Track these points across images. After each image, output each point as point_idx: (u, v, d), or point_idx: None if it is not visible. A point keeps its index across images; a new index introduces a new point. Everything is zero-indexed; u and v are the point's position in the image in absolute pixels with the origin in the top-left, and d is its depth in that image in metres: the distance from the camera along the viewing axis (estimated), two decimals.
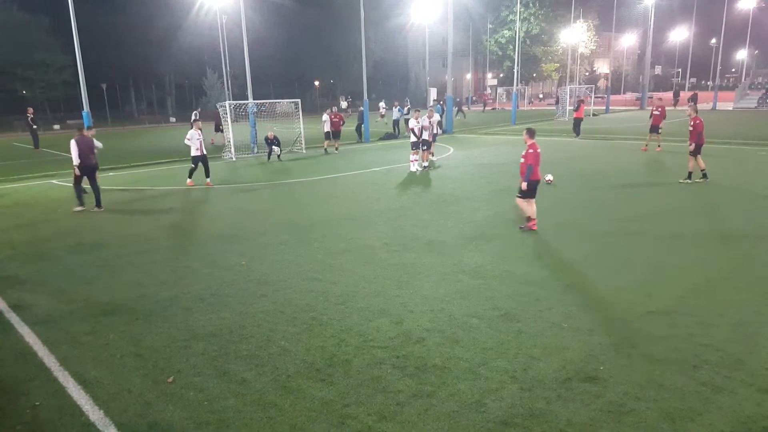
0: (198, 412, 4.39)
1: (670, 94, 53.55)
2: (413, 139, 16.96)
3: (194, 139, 15.29)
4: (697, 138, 13.37)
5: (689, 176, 13.52)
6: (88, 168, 12.55)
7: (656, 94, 59.12)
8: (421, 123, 16.81)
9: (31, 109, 27.99)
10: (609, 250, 8.38)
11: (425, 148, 17.23)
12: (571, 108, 26.72)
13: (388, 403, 4.42)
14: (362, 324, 5.92)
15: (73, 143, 12.35)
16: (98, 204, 12.69)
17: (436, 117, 21.15)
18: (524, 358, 5.06)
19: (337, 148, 23.98)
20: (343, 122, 25.29)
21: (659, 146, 20.09)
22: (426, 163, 17.47)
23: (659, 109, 20.07)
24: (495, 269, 7.59)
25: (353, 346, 5.42)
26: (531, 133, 9.43)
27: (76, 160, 12.34)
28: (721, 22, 48.90)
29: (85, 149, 12.47)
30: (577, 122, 26.01)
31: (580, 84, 56.31)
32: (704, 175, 13.47)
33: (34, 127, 27.40)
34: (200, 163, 15.43)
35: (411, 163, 17.13)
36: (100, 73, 45.97)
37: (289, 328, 5.90)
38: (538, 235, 9.33)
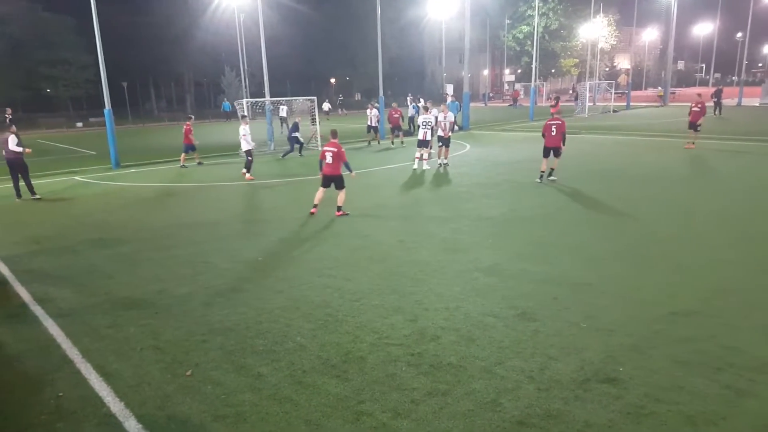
0: (215, 405, 4.45)
1: (702, 90, 52.00)
2: (420, 136, 16.94)
3: (247, 134, 16.27)
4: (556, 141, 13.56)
5: (541, 177, 13.80)
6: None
7: (680, 90, 58.15)
8: (439, 115, 16.84)
9: (9, 110, 28.02)
10: (630, 249, 8.26)
11: (443, 144, 17.07)
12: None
13: (402, 400, 4.42)
14: (377, 321, 5.93)
15: None
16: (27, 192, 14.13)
17: (437, 113, 21.26)
18: (541, 357, 5.02)
19: (402, 142, 24.41)
20: (403, 117, 25.58)
21: (693, 143, 19.31)
22: (446, 160, 17.35)
23: (699, 106, 19.13)
24: (512, 267, 7.54)
25: (368, 342, 5.43)
26: (333, 133, 11.13)
27: None
28: (747, 16, 47.87)
29: None
30: None
31: (599, 80, 55.64)
32: (547, 176, 13.77)
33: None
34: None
35: (415, 160, 17.10)
36: (121, 71, 46.61)
37: (304, 324, 5.93)
38: (556, 233, 9.25)
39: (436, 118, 18.18)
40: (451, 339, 5.44)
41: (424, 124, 17.09)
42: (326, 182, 10.98)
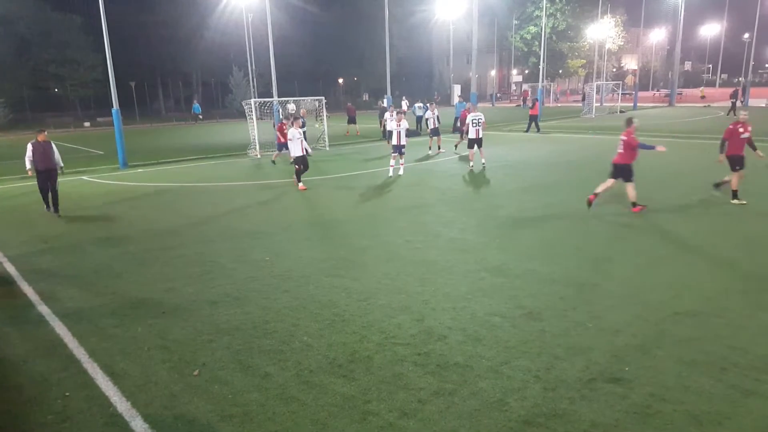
0: (222, 405, 4.46)
1: (710, 90, 51.24)
2: (395, 141, 15.76)
3: (296, 139, 14.04)
4: None
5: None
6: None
7: (687, 91, 57.48)
8: (403, 126, 15.53)
9: None
10: (636, 249, 8.24)
11: (478, 147, 16.65)
12: (525, 105, 27.88)
13: (409, 400, 4.42)
14: (384, 321, 5.94)
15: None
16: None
17: (437, 112, 21.19)
18: (547, 357, 5.02)
19: (456, 146, 21.05)
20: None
21: None
22: (483, 160, 16.97)
23: None
24: (518, 267, 7.53)
25: (375, 342, 5.44)
26: (627, 122, 10.55)
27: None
28: (754, 16, 47.59)
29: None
30: (532, 118, 28.56)
31: (607, 80, 55.43)
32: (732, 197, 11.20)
33: None
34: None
35: (390, 168, 16.05)
36: (129, 71, 46.87)
37: (311, 323, 5.95)
38: (564, 233, 9.23)
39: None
40: (458, 339, 5.45)
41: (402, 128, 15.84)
42: (615, 172, 10.47)
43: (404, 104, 51.97)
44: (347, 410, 4.31)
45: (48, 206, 12.26)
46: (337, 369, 4.95)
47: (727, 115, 33.42)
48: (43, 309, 6.67)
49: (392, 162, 16.12)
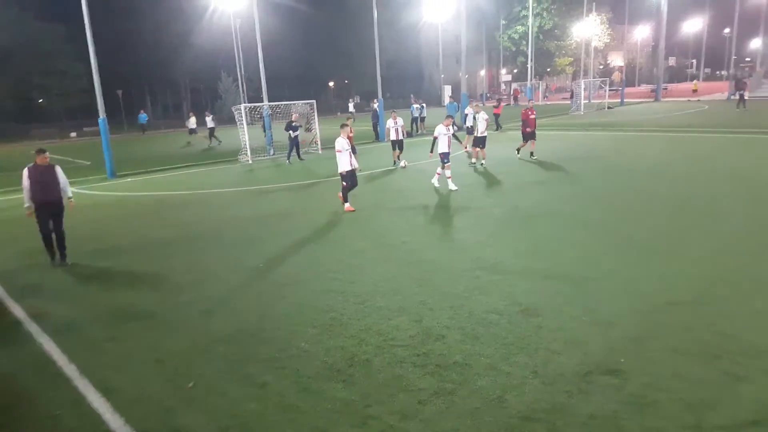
0: (219, 416, 4.39)
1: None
2: (444, 149, 13.31)
3: (344, 150, 11.58)
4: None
5: None
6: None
7: (671, 86, 57.88)
8: (451, 130, 13.55)
9: None
10: (627, 242, 8.27)
11: (481, 146, 17.02)
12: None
13: (409, 401, 4.39)
14: (382, 323, 5.90)
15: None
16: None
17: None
18: (545, 352, 5.02)
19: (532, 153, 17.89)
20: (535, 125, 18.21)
21: None
22: (483, 161, 17.26)
23: None
24: (514, 265, 7.53)
25: (373, 345, 5.40)
26: None
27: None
28: (734, 12, 48.10)
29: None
30: (495, 117, 29.62)
31: (594, 77, 55.72)
32: None
33: None
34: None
35: (436, 176, 13.99)
36: (116, 79, 46.52)
37: (308, 329, 5.90)
38: (557, 229, 9.24)
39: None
40: (456, 338, 5.43)
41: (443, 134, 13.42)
42: None
43: (351, 105, 52.05)
44: (347, 415, 4.27)
45: (53, 257, 9.14)
46: (336, 374, 4.91)
47: (737, 108, 32.59)
48: (31, 326, 6.51)
49: (448, 173, 13.39)
